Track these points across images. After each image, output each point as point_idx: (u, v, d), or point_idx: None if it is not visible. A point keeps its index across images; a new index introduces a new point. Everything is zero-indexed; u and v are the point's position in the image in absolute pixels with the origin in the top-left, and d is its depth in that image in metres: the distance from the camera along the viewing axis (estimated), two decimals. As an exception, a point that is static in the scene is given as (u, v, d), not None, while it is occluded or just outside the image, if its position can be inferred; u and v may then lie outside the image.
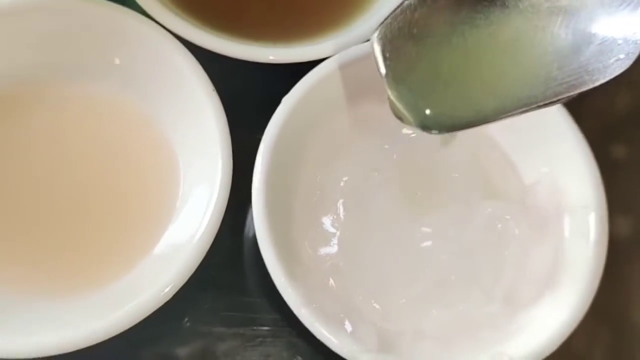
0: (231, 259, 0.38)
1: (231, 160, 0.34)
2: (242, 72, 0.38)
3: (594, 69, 0.28)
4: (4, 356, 0.31)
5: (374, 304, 0.34)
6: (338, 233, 0.35)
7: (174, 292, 0.32)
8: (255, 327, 0.37)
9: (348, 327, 0.32)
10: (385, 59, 0.30)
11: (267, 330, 0.37)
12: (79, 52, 0.37)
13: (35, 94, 0.37)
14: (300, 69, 0.36)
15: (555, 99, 0.28)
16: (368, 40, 0.37)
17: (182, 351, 0.36)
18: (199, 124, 0.35)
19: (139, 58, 0.36)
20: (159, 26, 0.36)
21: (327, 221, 0.35)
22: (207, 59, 0.36)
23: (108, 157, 0.37)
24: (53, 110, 0.37)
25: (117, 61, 0.37)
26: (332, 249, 0.35)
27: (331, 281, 0.34)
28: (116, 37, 0.36)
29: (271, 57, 0.37)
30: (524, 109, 0.29)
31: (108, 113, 0.37)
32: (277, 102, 0.35)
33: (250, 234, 0.39)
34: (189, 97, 0.35)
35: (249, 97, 0.40)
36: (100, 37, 0.36)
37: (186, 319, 0.37)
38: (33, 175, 0.36)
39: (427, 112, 0.30)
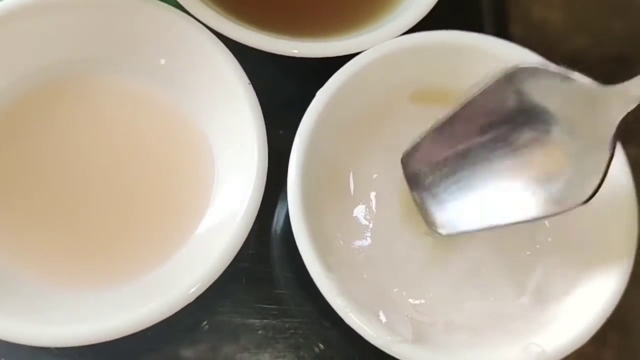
0: (262, 250, 0.39)
1: (266, 150, 0.34)
2: (277, 67, 0.38)
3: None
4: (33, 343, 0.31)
5: (406, 296, 0.34)
6: (371, 225, 0.35)
7: (206, 287, 0.32)
8: (286, 319, 0.37)
9: (382, 317, 0.33)
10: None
11: (298, 322, 0.37)
12: (122, 47, 0.38)
13: (79, 86, 0.38)
14: (335, 64, 0.36)
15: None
16: (400, 35, 0.37)
17: (214, 341, 0.37)
18: (235, 115, 0.35)
19: (176, 50, 0.37)
20: (195, 20, 0.36)
21: (359, 214, 0.36)
22: (242, 53, 0.36)
23: (145, 150, 0.37)
24: (96, 103, 0.38)
25: (162, 60, 0.38)
26: (365, 241, 0.35)
27: (365, 273, 0.34)
28: (157, 31, 0.37)
29: (295, 51, 0.37)
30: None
31: (145, 105, 0.38)
32: (311, 97, 0.35)
33: (279, 227, 0.40)
34: (225, 89, 0.36)
35: (282, 91, 0.40)
36: (143, 32, 0.37)
37: (219, 310, 0.37)
38: (74, 167, 0.36)
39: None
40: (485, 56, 0.37)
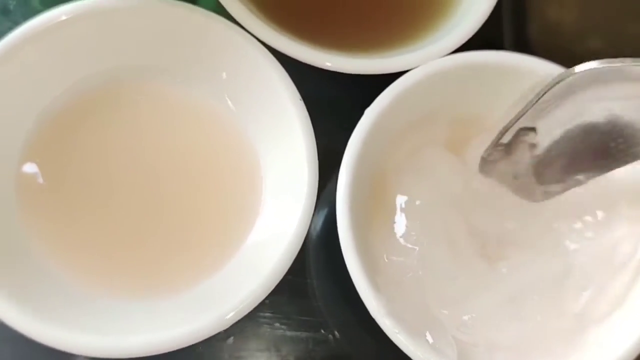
0: (303, 260, 0.39)
1: (317, 170, 0.34)
2: (327, 82, 0.38)
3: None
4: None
5: (450, 316, 0.34)
6: (417, 244, 0.35)
7: (253, 306, 0.32)
8: (326, 331, 0.38)
9: (429, 338, 0.33)
10: None
11: (339, 335, 0.38)
12: (186, 58, 0.38)
13: (137, 93, 0.38)
14: (389, 80, 0.36)
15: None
16: (446, 54, 0.37)
17: (254, 351, 0.37)
18: (286, 132, 0.36)
19: (235, 66, 0.37)
20: (245, 32, 0.37)
21: (405, 232, 0.36)
22: (293, 68, 0.37)
23: (196, 160, 0.37)
24: (153, 111, 0.38)
25: (223, 74, 0.38)
26: (411, 260, 0.35)
27: (411, 292, 0.35)
28: (220, 47, 0.37)
29: (328, 64, 0.37)
30: None
31: (202, 116, 0.38)
32: (360, 113, 0.36)
33: (316, 233, 0.40)
34: (278, 105, 0.36)
35: (332, 105, 0.41)
36: (207, 47, 0.37)
37: (261, 320, 0.38)
38: (126, 175, 0.37)
39: None
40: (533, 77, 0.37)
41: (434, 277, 0.35)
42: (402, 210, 0.36)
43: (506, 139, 0.33)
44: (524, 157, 0.33)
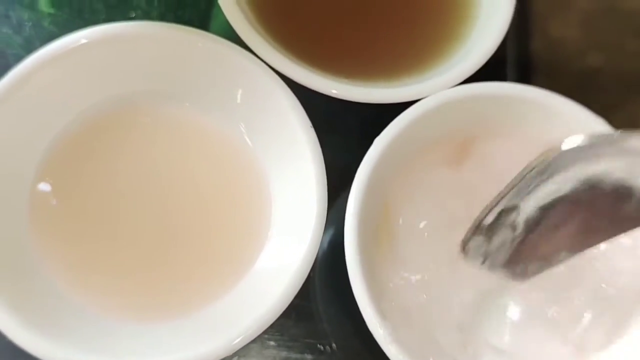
0: (309, 286, 0.40)
1: (326, 201, 0.35)
2: (337, 106, 0.39)
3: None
4: None
5: (455, 343, 0.35)
6: (420, 270, 0.36)
7: (261, 331, 0.33)
8: (329, 354, 0.39)
9: (433, 364, 0.34)
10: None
11: (342, 357, 0.39)
12: (199, 84, 0.39)
13: (150, 118, 0.39)
14: (396, 107, 0.37)
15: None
16: (456, 85, 0.38)
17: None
18: (295, 157, 0.36)
19: (249, 93, 0.38)
20: (256, 58, 0.37)
21: (409, 259, 0.36)
22: (305, 93, 0.37)
23: (206, 185, 0.38)
24: (165, 135, 0.39)
25: (237, 99, 0.38)
26: (416, 286, 0.36)
27: (415, 318, 0.35)
28: (232, 74, 0.38)
29: (334, 92, 0.38)
30: None
31: (214, 140, 0.39)
32: (369, 135, 0.36)
33: (322, 252, 0.40)
34: (287, 130, 0.37)
35: (341, 126, 0.41)
36: (220, 73, 0.38)
37: (266, 342, 0.38)
38: (137, 199, 0.37)
39: None
40: (537, 108, 0.38)
41: (438, 303, 0.36)
42: (407, 235, 0.37)
43: (488, 220, 0.32)
44: (505, 239, 0.32)
